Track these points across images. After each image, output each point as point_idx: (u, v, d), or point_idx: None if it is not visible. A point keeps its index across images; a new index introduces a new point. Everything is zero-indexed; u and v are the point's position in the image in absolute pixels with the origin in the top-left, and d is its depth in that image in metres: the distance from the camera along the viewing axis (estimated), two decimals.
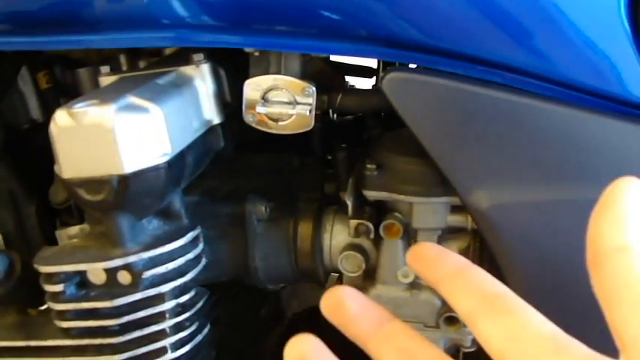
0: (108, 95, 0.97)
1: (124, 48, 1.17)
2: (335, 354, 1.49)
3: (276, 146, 1.29)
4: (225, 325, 1.29)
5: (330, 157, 1.22)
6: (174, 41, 1.02)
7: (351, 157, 1.13)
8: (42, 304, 1.14)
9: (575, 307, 0.99)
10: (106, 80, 1.09)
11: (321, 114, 1.14)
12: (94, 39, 1.01)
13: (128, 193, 0.95)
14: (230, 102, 1.10)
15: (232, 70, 1.09)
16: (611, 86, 0.95)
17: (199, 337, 1.10)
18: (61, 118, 0.93)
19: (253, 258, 1.15)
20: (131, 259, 1.00)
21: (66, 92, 1.29)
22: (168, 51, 1.21)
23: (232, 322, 1.32)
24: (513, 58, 0.94)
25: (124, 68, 1.14)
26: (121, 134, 0.92)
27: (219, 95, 1.09)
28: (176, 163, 0.99)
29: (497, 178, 0.97)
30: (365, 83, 1.50)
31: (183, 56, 1.09)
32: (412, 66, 0.99)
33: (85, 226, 1.09)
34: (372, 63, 1.39)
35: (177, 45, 1.09)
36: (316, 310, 1.53)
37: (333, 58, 1.44)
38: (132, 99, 0.96)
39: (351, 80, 1.46)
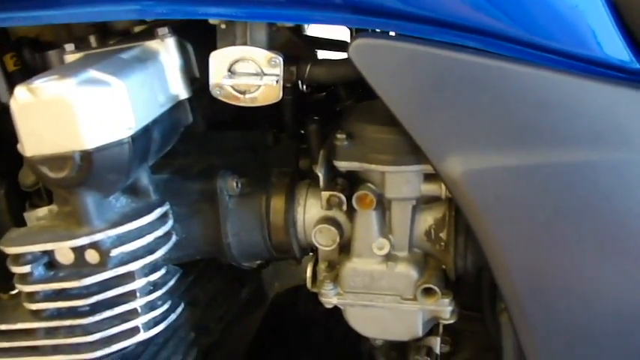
0: (69, 70, 0.95)
1: (93, 28, 1.15)
2: (316, 336, 1.46)
3: (250, 124, 1.27)
4: (203, 307, 1.28)
5: (302, 132, 1.20)
6: (137, 14, 1.00)
7: (324, 129, 1.11)
8: (13, 289, 1.11)
9: (552, 270, 0.98)
10: (71, 58, 1.07)
11: (291, 87, 1.13)
12: (54, 14, 0.99)
13: (92, 169, 0.93)
14: (198, 77, 1.08)
15: (201, 46, 1.07)
16: (584, 48, 0.93)
17: (173, 317, 1.08)
18: (20, 94, 0.91)
19: (225, 234, 1.13)
20: (98, 236, 0.98)
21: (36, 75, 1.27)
22: (137, 29, 1.19)
23: (211, 303, 1.31)
24: (484, 22, 0.92)
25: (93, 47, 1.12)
26: (81, 108, 0.90)
27: (186, 70, 1.07)
28: (141, 137, 0.97)
29: (470, 144, 0.95)
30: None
31: (150, 33, 1.07)
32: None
33: (53, 207, 1.07)
34: (345, 37, 1.37)
35: (139, 17, 1.06)
36: (298, 290, 1.52)
37: (307, 32, 1.43)
38: (93, 73, 0.94)
39: (325, 55, 1.44)
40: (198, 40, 1.07)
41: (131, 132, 0.95)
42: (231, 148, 1.24)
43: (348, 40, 1.34)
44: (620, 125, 0.93)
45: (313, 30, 1.45)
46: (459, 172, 0.95)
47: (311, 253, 1.20)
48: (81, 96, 0.90)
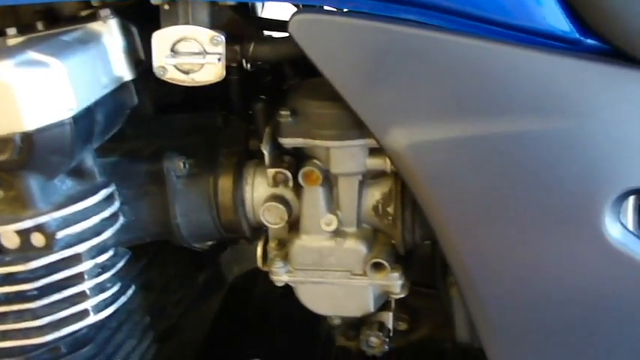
0: (7, 52, 0.94)
1: (40, 14, 1.14)
2: (272, 319, 1.45)
3: (199, 106, 1.27)
4: (158, 291, 1.27)
5: (250, 112, 1.20)
6: None
7: (270, 108, 1.11)
8: None
9: (497, 241, 0.99)
10: (13, 42, 1.06)
11: (237, 67, 1.13)
12: None
13: (33, 151, 0.92)
14: (144, 59, 1.08)
15: (146, 28, 1.06)
16: (523, 18, 0.94)
17: (123, 299, 1.08)
18: None
19: (174, 215, 1.13)
20: (43, 219, 0.97)
21: None
22: (84, 14, 1.18)
23: (167, 287, 1.30)
24: None
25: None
26: (20, 90, 0.90)
27: (131, 51, 1.06)
28: (83, 118, 0.97)
29: (413, 117, 0.96)
30: None
31: (94, 16, 1.06)
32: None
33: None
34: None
35: None
36: (256, 273, 1.52)
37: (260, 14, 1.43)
38: (32, 54, 0.93)
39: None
40: (144, 23, 1.06)
41: (72, 113, 0.94)
42: (181, 130, 1.24)
43: None
44: (561, 95, 0.94)
45: (267, 12, 1.45)
46: (402, 146, 0.96)
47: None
48: (19, 77, 0.90)
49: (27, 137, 0.92)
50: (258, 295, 1.50)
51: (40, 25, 1.11)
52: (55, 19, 1.16)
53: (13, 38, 1.06)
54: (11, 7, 1.20)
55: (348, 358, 1.35)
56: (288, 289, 1.18)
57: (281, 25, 1.35)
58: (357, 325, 1.32)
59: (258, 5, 1.44)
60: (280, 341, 1.40)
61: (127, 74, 1.06)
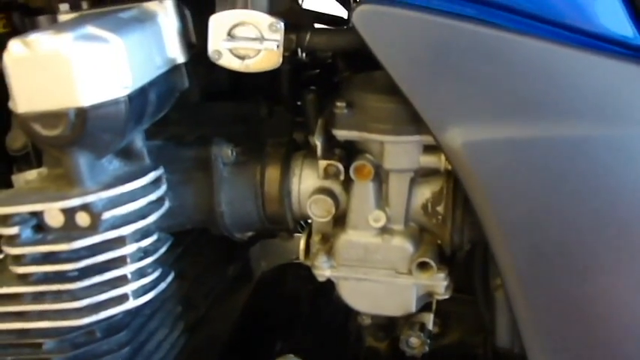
0: (65, 26, 0.92)
1: None
2: (300, 316, 1.43)
3: (244, 96, 1.26)
4: (190, 281, 1.25)
5: (299, 104, 1.18)
6: None
7: (321, 100, 1.10)
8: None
9: (550, 245, 0.97)
10: (66, 17, 1.04)
11: (290, 57, 1.11)
12: None
13: (86, 128, 0.91)
14: (195, 43, 1.06)
15: (198, 11, 1.05)
16: (588, 22, 0.93)
17: (162, 286, 1.05)
18: (15, 47, 0.89)
19: (219, 203, 1.11)
20: (90, 198, 0.96)
21: None
22: None
23: (198, 278, 1.28)
24: None
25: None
26: (78, 64, 0.88)
27: (184, 34, 1.05)
28: (137, 97, 0.95)
29: (472, 115, 0.94)
30: None
31: None
32: None
33: (43, 170, 1.05)
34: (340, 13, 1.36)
35: None
36: (285, 268, 1.50)
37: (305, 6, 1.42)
38: (90, 29, 0.92)
39: None
40: (196, 6, 1.05)
41: (128, 91, 0.93)
42: (225, 118, 1.23)
43: (344, 17, 1.34)
44: (622, 100, 0.93)
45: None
46: (459, 143, 0.94)
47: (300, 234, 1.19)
48: (78, 51, 0.88)
49: (81, 113, 0.90)
50: (287, 291, 1.49)
51: (85, 4, 1.10)
52: None
53: (65, 14, 1.05)
54: None
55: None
56: (318, 288, 1.16)
57: (328, 18, 1.34)
58: (387, 326, 1.30)
59: None
60: (308, 339, 1.38)
61: (180, 57, 1.04)
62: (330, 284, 1.15)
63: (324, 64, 1.28)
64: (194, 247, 1.25)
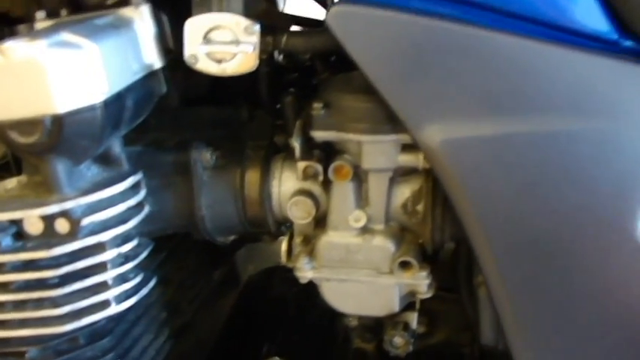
0: (40, 33, 0.93)
1: (65, 1, 1.13)
2: (287, 319, 1.42)
3: (224, 100, 1.26)
4: (175, 286, 1.25)
5: (278, 106, 1.18)
6: None
7: (300, 102, 1.10)
8: None
9: (531, 240, 0.97)
10: (42, 25, 1.04)
11: (266, 59, 1.11)
12: None
13: (63, 134, 0.91)
14: (172, 48, 1.07)
15: (175, 16, 1.05)
16: (563, 17, 0.93)
17: (145, 291, 1.06)
18: None
19: (199, 207, 1.11)
20: (69, 204, 0.95)
21: None
22: (110, 2, 1.17)
23: (183, 283, 1.28)
24: None
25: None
26: (53, 71, 0.88)
27: (161, 39, 1.05)
28: (114, 103, 0.95)
29: (448, 113, 0.95)
30: None
31: (123, 3, 1.05)
32: None
33: (23, 178, 1.04)
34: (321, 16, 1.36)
35: None
36: (271, 272, 1.50)
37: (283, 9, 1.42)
38: (65, 36, 0.92)
39: None
40: (173, 12, 1.05)
41: (104, 97, 0.93)
42: (205, 123, 1.23)
43: (321, 19, 1.34)
44: (598, 95, 0.93)
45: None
46: (437, 142, 0.95)
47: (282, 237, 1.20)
48: (53, 58, 0.88)
49: (57, 120, 0.90)
50: (274, 295, 1.48)
51: (64, 13, 1.10)
52: (79, 7, 1.15)
53: (42, 22, 1.05)
54: None
55: None
56: (305, 292, 1.16)
57: (305, 21, 1.35)
58: (373, 327, 1.31)
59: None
60: (295, 341, 1.38)
61: (156, 62, 1.04)
62: (316, 286, 1.15)
63: (302, 67, 1.28)
64: (178, 252, 1.25)
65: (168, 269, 1.21)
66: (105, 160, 1.02)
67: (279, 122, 1.18)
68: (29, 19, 1.21)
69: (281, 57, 1.14)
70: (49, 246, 0.97)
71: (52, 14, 1.07)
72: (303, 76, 1.28)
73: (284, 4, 1.46)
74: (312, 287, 1.15)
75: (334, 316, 1.23)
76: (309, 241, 1.13)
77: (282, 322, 1.42)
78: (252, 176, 1.12)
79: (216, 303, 1.42)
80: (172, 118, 1.20)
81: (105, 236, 0.98)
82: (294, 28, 1.30)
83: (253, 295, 1.50)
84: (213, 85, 1.21)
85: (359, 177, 1.07)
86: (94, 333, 1.05)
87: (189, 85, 1.19)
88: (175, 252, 1.24)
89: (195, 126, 1.22)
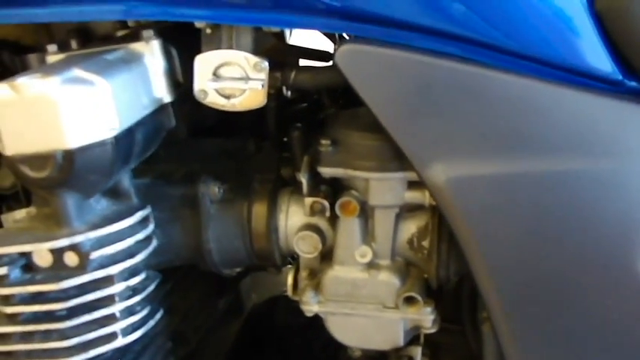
0: (52, 69, 0.94)
1: (75, 32, 1.14)
2: (291, 349, 1.43)
3: (231, 132, 1.27)
4: (180, 316, 1.26)
5: (285, 139, 1.20)
6: (122, 14, 0.99)
7: (307, 137, 1.11)
8: None
9: (536, 279, 0.98)
10: (54, 58, 1.05)
11: (275, 94, 1.12)
12: (37, 12, 0.98)
13: (74, 169, 0.92)
14: (182, 82, 1.08)
15: (184, 50, 1.06)
16: (567, 58, 0.94)
17: (151, 323, 1.06)
18: (2, 91, 0.90)
19: (207, 240, 1.12)
20: (78, 238, 0.96)
21: None
22: (120, 34, 1.18)
23: (188, 312, 1.29)
24: (469, 29, 0.93)
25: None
26: (65, 107, 0.89)
27: (170, 73, 1.06)
28: (124, 139, 0.96)
29: (455, 151, 0.96)
30: None
31: (134, 36, 1.06)
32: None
33: (32, 209, 1.05)
34: (325, 47, 1.38)
35: (124, 18, 1.05)
36: (275, 301, 1.50)
37: (290, 41, 1.43)
38: (77, 72, 0.93)
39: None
40: (182, 45, 1.06)
41: (114, 132, 0.94)
42: (213, 155, 1.23)
43: (330, 51, 1.36)
44: (603, 135, 0.95)
45: (294, 40, 1.46)
46: (443, 180, 0.95)
47: (289, 266, 1.20)
48: (65, 94, 0.89)
49: (68, 155, 0.91)
50: (278, 324, 1.49)
51: (74, 43, 1.12)
52: (89, 37, 1.16)
53: (53, 55, 1.06)
54: (45, 25, 1.21)
55: None
56: (309, 321, 1.17)
57: (313, 54, 1.36)
58: (377, 358, 1.31)
59: (287, 32, 1.45)
60: None
61: (166, 96, 1.05)
62: (321, 317, 1.15)
63: (310, 100, 1.29)
64: (184, 282, 1.26)
65: (174, 299, 1.22)
66: (114, 193, 1.03)
67: (286, 155, 1.19)
68: (39, 48, 1.23)
69: (289, 92, 1.15)
70: (58, 279, 0.97)
71: (62, 46, 1.09)
72: (310, 110, 1.29)
73: (290, 36, 1.48)
74: (316, 317, 1.16)
75: (338, 347, 1.24)
76: (315, 275, 1.13)
77: (286, 351, 1.42)
78: (260, 210, 1.13)
79: (220, 332, 1.43)
80: (180, 149, 1.21)
81: (113, 270, 0.99)
82: (302, 60, 1.32)
83: (257, 324, 1.50)
84: (220, 118, 1.22)
85: (365, 213, 1.08)
86: None
87: (197, 117, 1.20)
88: (181, 282, 1.24)
89: (202, 157, 1.23)
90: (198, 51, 1.01)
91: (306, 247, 1.11)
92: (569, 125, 0.94)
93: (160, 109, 1.06)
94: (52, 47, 1.07)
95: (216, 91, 1.01)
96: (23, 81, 0.89)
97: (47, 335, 1.00)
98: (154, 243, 1.06)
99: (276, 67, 1.05)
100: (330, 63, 1.05)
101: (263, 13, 0.96)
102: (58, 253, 0.97)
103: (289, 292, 1.15)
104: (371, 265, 1.10)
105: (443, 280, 1.11)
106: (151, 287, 1.05)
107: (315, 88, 1.16)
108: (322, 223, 1.11)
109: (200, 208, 1.12)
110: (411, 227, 1.10)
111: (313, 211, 1.08)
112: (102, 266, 0.98)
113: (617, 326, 0.98)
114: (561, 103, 0.94)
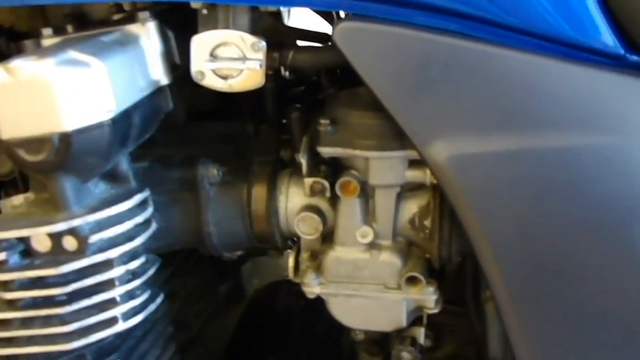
0: (47, 51, 0.93)
1: (70, 17, 1.13)
2: (293, 333, 1.43)
3: (230, 115, 1.26)
4: (181, 301, 1.25)
5: (284, 122, 1.19)
6: None
7: (306, 118, 1.10)
8: None
9: (538, 256, 0.97)
10: (49, 42, 1.04)
11: (273, 75, 1.11)
12: None
13: (71, 152, 0.91)
14: (179, 64, 1.07)
15: (181, 33, 1.05)
16: (569, 32, 0.93)
17: (152, 307, 1.05)
18: None
19: (206, 223, 1.11)
20: (76, 222, 0.95)
21: None
22: (116, 17, 1.17)
23: (189, 297, 1.28)
24: (470, 5, 0.91)
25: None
26: (60, 89, 0.88)
27: (167, 55, 1.05)
28: (121, 121, 0.95)
29: (456, 129, 0.95)
30: None
31: (130, 20, 1.05)
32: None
33: (30, 195, 1.04)
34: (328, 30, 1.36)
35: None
36: (277, 286, 1.50)
37: (288, 23, 1.42)
38: (72, 54, 0.92)
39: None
40: (179, 27, 1.05)
41: (111, 114, 0.93)
42: (212, 138, 1.23)
43: (328, 32, 1.34)
44: (605, 110, 0.94)
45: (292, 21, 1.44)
46: (444, 158, 0.95)
47: (289, 250, 1.20)
48: (60, 76, 0.88)
49: (65, 138, 0.90)
50: (280, 309, 1.48)
51: (69, 28, 1.11)
52: (84, 22, 1.15)
53: (48, 38, 1.05)
54: (40, 9, 1.20)
55: None
56: (311, 305, 1.16)
57: (310, 35, 1.35)
58: (380, 340, 1.30)
59: (285, 14, 1.44)
60: (302, 355, 1.38)
61: (163, 78, 1.04)
62: (323, 300, 1.15)
63: (309, 81, 1.28)
64: (184, 267, 1.25)
65: (175, 284, 1.21)
66: (112, 177, 1.02)
67: (285, 137, 1.18)
68: (34, 34, 1.22)
69: (287, 73, 1.14)
70: (57, 263, 0.96)
71: (58, 30, 1.08)
72: (308, 91, 1.28)
73: (289, 18, 1.46)
74: (318, 301, 1.15)
75: (341, 330, 1.23)
76: (317, 257, 1.13)
77: (288, 335, 1.42)
78: (259, 192, 1.12)
79: (222, 317, 1.42)
80: (179, 133, 1.21)
81: (113, 253, 0.98)
82: (301, 42, 1.30)
83: (259, 309, 1.50)
84: (219, 101, 1.21)
85: (366, 193, 1.07)
86: (101, 350, 1.04)
87: (195, 100, 1.20)
88: (182, 267, 1.24)
89: (201, 141, 1.22)
90: (194, 33, 1.01)
91: (307, 229, 1.10)
92: (571, 101, 0.93)
93: (158, 91, 1.05)
94: (47, 31, 1.06)
95: (214, 72, 0.99)
96: (18, 63, 0.89)
97: (47, 321, 0.99)
98: (154, 226, 1.05)
99: (274, 48, 1.04)
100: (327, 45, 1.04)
101: None
102: (56, 238, 0.97)
103: (290, 275, 1.14)
104: (372, 246, 1.09)
105: (445, 260, 1.10)
106: (151, 271, 1.05)
107: (313, 68, 1.15)
108: (323, 204, 1.10)
109: (199, 191, 1.11)
110: (412, 207, 1.09)
111: (313, 192, 1.07)
112: (101, 250, 0.98)
113: (621, 303, 0.98)
114: (563, 79, 0.92)
